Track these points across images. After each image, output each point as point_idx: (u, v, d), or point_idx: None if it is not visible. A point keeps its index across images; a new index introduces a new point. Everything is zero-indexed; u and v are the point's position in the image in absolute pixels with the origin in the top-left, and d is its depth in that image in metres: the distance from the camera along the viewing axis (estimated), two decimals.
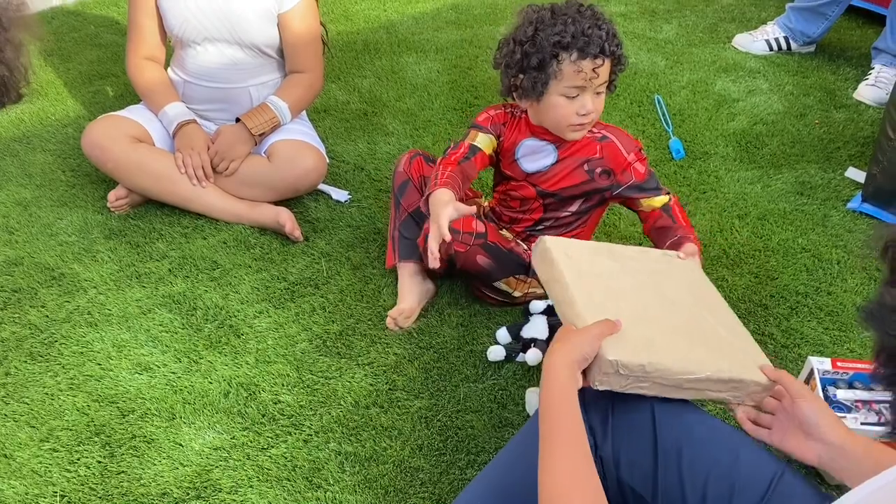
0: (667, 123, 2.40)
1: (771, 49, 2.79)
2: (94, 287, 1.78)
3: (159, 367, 1.60)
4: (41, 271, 1.81)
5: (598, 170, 1.63)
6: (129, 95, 2.39)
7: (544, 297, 1.70)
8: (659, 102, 2.50)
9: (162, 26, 1.99)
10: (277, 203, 1.97)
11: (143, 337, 1.67)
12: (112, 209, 1.97)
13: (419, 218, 1.73)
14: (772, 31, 2.79)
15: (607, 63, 1.50)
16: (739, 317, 1.22)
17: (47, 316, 1.70)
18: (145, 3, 1.96)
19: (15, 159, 2.14)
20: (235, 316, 1.73)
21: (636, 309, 1.13)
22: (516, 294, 1.71)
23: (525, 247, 1.70)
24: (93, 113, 2.34)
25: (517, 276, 1.69)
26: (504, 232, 1.74)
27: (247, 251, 1.90)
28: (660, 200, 1.63)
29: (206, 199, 1.95)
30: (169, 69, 2.07)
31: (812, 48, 2.81)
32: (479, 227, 1.60)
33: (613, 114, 2.47)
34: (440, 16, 3.06)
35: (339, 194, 2.07)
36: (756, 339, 1.19)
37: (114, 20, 2.87)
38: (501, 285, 1.69)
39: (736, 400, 1.09)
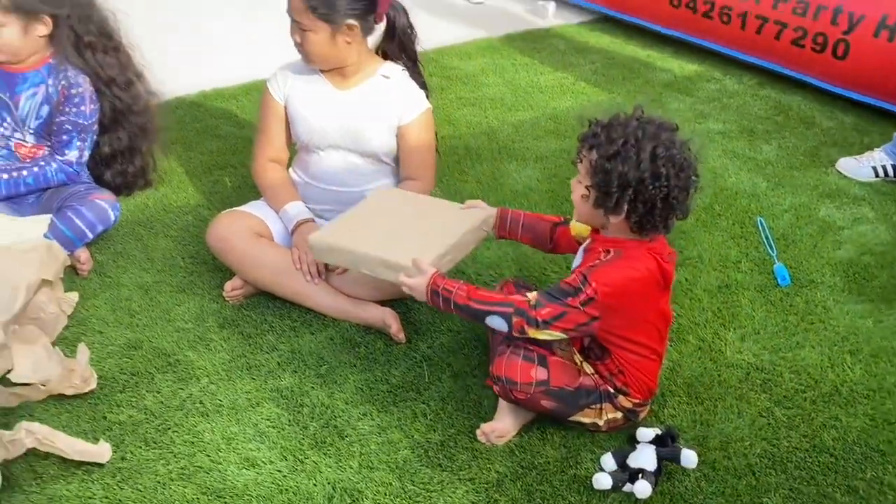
0: (771, 248, 2.38)
1: (877, 176, 2.77)
2: (207, 376, 1.84)
3: (266, 464, 1.63)
4: (158, 356, 1.89)
5: None
6: (245, 187, 2.51)
7: (650, 424, 1.68)
8: (762, 225, 2.49)
9: (288, 131, 2.12)
10: (383, 303, 2.02)
11: (251, 431, 1.71)
12: (227, 298, 2.05)
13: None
14: (879, 158, 2.77)
15: None
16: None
17: (162, 402, 1.77)
18: (276, 109, 2.09)
19: (139, 243, 2.26)
20: (340, 416, 1.75)
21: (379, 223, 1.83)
22: (600, 423, 1.69)
23: (591, 371, 1.69)
24: (212, 202, 2.47)
25: (591, 407, 1.67)
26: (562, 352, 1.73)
27: (352, 349, 1.95)
28: (531, 295, 1.57)
29: (317, 295, 2.02)
30: (291, 170, 2.19)
31: None
32: (540, 374, 1.61)
33: (715, 234, 2.47)
34: (539, 125, 3.15)
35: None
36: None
37: (233, 113, 3.05)
38: (579, 419, 1.68)
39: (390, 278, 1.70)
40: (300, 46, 1.96)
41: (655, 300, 1.64)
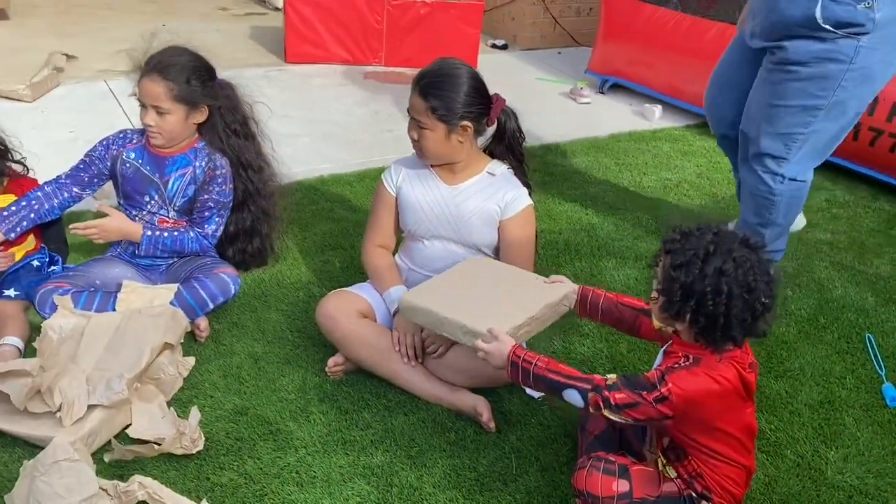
0: (879, 366, 2.30)
1: None
2: (304, 447, 1.93)
3: None
4: (261, 424, 1.99)
5: None
6: (353, 268, 2.66)
7: None
8: (870, 342, 2.41)
9: (397, 220, 2.25)
10: (475, 391, 2.07)
11: None
12: (329, 373, 2.15)
13: (606, 441, 1.78)
14: None
15: None
16: None
17: (261, 469, 1.86)
18: (387, 200, 2.24)
19: (253, 315, 2.42)
20: (427, 499, 1.79)
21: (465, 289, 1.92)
22: None
23: (674, 474, 1.66)
24: (321, 280, 2.62)
25: None
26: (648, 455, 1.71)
27: (443, 434, 2.00)
28: (611, 376, 1.59)
29: (413, 377, 2.09)
30: (397, 256, 2.31)
31: None
32: (622, 486, 1.60)
33: (819, 347, 2.41)
34: (640, 223, 3.19)
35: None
36: None
37: (346, 197, 3.24)
38: None
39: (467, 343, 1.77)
40: (416, 142, 2.11)
41: (737, 411, 1.61)
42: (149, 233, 2.33)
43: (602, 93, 4.85)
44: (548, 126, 4.24)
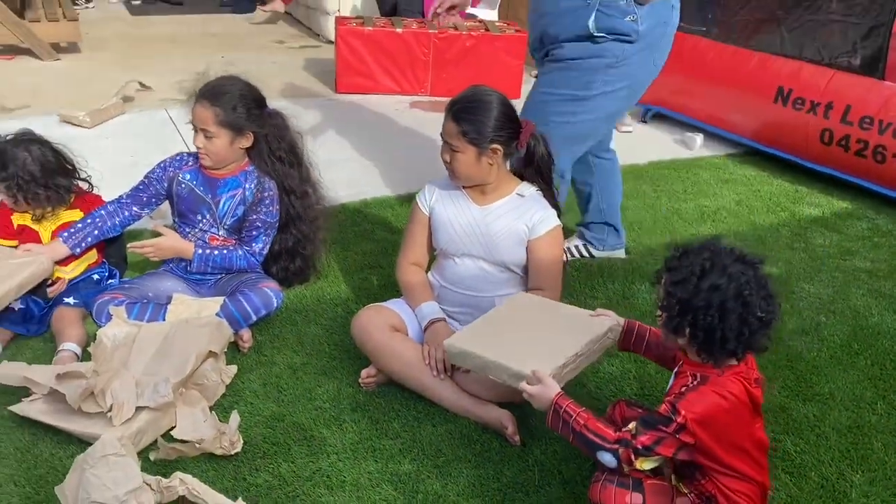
0: None
1: None
2: (336, 453, 2.02)
3: None
4: (296, 430, 2.09)
5: None
6: (390, 286, 2.75)
7: None
8: None
9: (430, 240, 2.35)
10: (502, 405, 2.13)
11: None
12: (362, 384, 2.25)
13: None
14: None
15: None
16: None
17: (294, 472, 1.95)
18: (421, 219, 2.34)
19: (293, 328, 2.54)
20: None
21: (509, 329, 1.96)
22: None
23: (686, 490, 1.68)
24: (359, 297, 2.72)
25: None
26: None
27: (469, 445, 2.06)
28: (632, 425, 1.63)
29: (442, 390, 2.17)
30: (430, 273, 2.41)
31: None
32: (635, 499, 1.63)
33: (851, 372, 2.41)
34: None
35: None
36: None
37: (387, 220, 3.36)
38: None
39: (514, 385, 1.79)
40: (449, 164, 2.21)
41: (747, 425, 1.65)
42: (200, 251, 2.48)
43: (644, 122, 4.90)
44: None
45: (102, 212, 2.52)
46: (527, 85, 5.44)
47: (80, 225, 2.49)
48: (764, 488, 1.70)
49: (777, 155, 4.19)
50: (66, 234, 2.45)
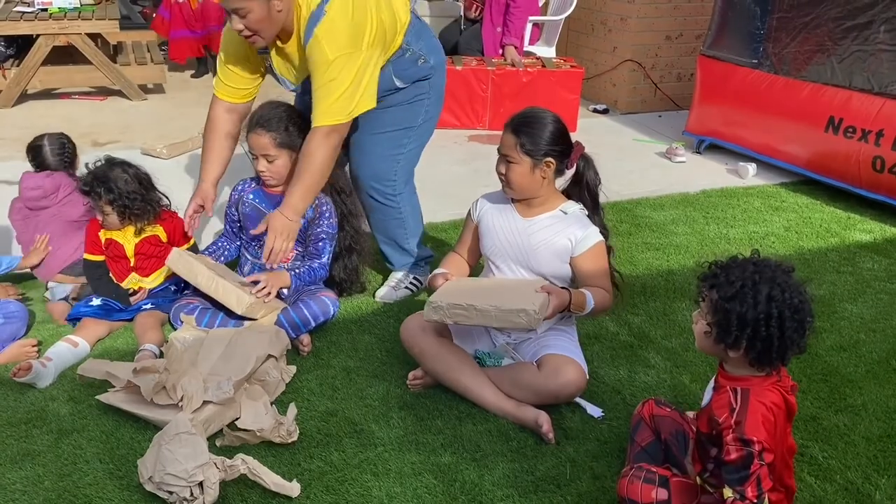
0: None
1: None
2: (383, 445, 2.19)
3: None
4: (348, 424, 2.28)
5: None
6: None
7: None
8: None
9: (476, 242, 2.54)
10: (539, 406, 2.27)
11: (410, 494, 2.01)
12: (410, 386, 2.42)
13: (653, 452, 1.94)
14: None
15: None
16: None
17: (345, 460, 2.14)
18: (470, 225, 2.56)
19: (349, 336, 2.74)
20: (486, 494, 2.01)
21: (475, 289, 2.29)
22: None
23: (711, 489, 1.74)
24: (410, 310, 2.88)
25: None
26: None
27: (506, 442, 2.21)
28: (727, 492, 1.62)
29: (482, 392, 2.32)
30: None
31: None
32: (661, 494, 1.72)
33: (886, 386, 2.45)
34: None
35: (594, 410, 2.32)
36: None
37: (441, 241, 3.56)
38: None
39: (512, 325, 2.15)
40: (503, 176, 2.36)
41: (782, 432, 1.73)
42: (293, 273, 2.72)
43: (699, 153, 4.99)
44: (640, 182, 4.43)
45: (219, 243, 2.90)
46: (584, 119, 5.65)
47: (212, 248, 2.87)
48: (791, 491, 1.77)
49: (830, 183, 4.22)
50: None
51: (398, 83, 2.76)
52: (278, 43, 2.61)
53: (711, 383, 1.84)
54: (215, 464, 1.97)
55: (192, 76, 6.71)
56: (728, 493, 1.62)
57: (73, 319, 2.74)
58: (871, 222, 3.88)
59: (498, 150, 2.38)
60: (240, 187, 2.84)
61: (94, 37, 5.96)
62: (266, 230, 2.64)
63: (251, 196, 2.80)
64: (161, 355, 2.53)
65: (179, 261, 2.65)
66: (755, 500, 1.60)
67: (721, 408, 1.69)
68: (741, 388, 1.70)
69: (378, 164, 2.86)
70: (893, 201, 3.90)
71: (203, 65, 6.67)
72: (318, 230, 2.74)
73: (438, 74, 2.88)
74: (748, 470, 1.61)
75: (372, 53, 2.52)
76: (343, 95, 2.49)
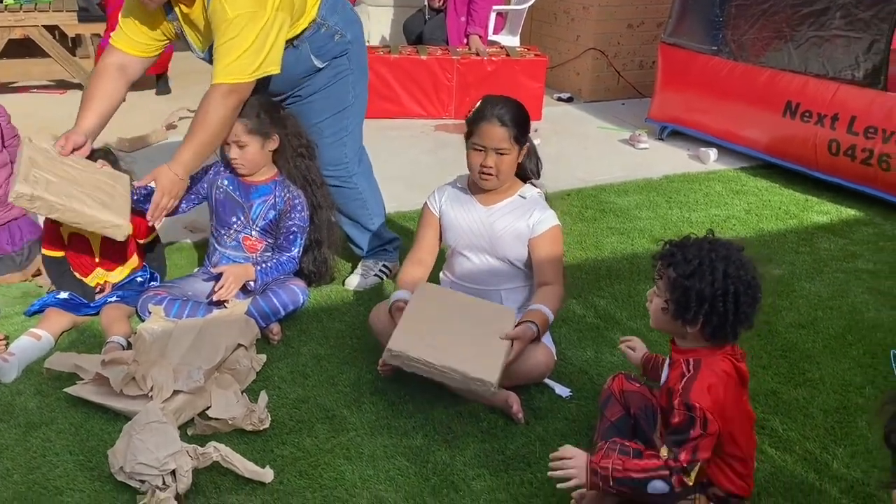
0: None
1: None
2: (355, 429, 2.21)
3: (391, 503, 1.94)
4: (320, 410, 2.30)
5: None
6: None
7: None
8: (894, 357, 2.51)
9: (437, 238, 2.55)
10: (508, 388, 2.30)
11: (383, 476, 2.04)
12: (380, 372, 2.44)
13: (622, 427, 2.00)
14: None
15: None
16: None
17: (317, 445, 2.15)
18: (431, 222, 2.55)
19: (319, 324, 2.75)
20: (458, 474, 2.04)
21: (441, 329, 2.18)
22: None
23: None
24: (379, 298, 2.91)
25: (688, 498, 1.78)
26: None
27: (476, 423, 2.24)
28: (663, 451, 1.69)
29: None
30: (441, 272, 2.61)
31: None
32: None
33: (842, 361, 2.53)
34: None
35: (562, 390, 2.37)
36: None
37: (408, 231, 3.56)
38: None
39: (467, 392, 2.12)
40: (490, 169, 2.34)
41: (738, 399, 1.79)
42: (258, 268, 2.69)
43: (661, 139, 5.07)
44: (605, 169, 4.49)
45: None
46: (549, 107, 5.70)
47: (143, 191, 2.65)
48: (751, 458, 1.84)
49: (788, 167, 4.32)
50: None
51: (317, 62, 2.70)
52: (183, 8, 2.53)
53: (665, 364, 1.90)
54: (187, 452, 1.97)
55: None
56: (664, 451, 1.70)
57: (36, 312, 2.71)
58: (827, 204, 3.99)
59: (481, 145, 2.33)
60: (215, 168, 2.81)
61: (52, 29, 5.84)
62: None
63: (225, 182, 2.78)
64: (129, 347, 2.51)
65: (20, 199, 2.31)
66: (685, 466, 1.66)
67: (676, 380, 1.76)
68: (693, 359, 1.77)
69: (327, 151, 2.86)
70: (849, 183, 4.01)
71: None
72: (290, 223, 2.74)
73: (357, 49, 2.82)
74: (687, 434, 1.67)
75: (278, 16, 2.44)
76: (245, 54, 2.41)
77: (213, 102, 2.47)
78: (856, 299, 2.96)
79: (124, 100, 2.70)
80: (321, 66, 2.74)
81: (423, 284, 2.36)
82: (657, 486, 1.67)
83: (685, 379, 1.73)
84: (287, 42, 2.57)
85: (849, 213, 3.88)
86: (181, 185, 2.54)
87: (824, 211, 3.91)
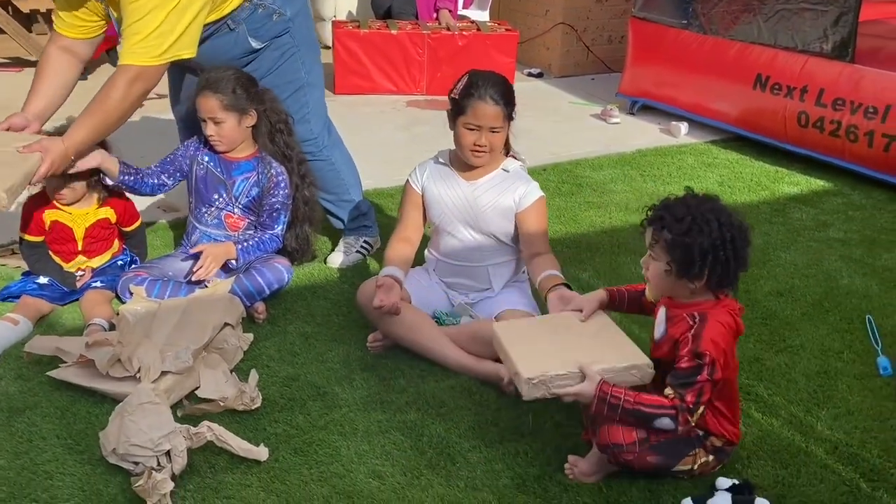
0: (876, 341, 2.48)
1: None
2: (348, 406, 2.21)
3: (388, 477, 1.94)
4: (311, 388, 2.28)
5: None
6: None
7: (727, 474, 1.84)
8: (870, 322, 2.59)
9: (422, 216, 2.54)
10: (498, 361, 2.32)
11: (378, 451, 2.04)
12: (370, 348, 2.44)
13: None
14: None
15: None
16: None
17: (310, 422, 2.14)
18: (414, 199, 2.54)
19: (304, 302, 2.73)
20: (453, 447, 2.05)
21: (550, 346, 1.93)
22: (695, 468, 1.87)
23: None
24: (363, 275, 2.90)
25: (689, 454, 1.85)
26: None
27: (469, 396, 2.25)
28: (668, 391, 1.76)
29: (443, 351, 2.36)
30: (426, 250, 2.61)
31: None
32: (640, 433, 1.80)
33: (821, 327, 2.60)
34: None
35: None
36: None
37: (386, 207, 3.56)
38: (679, 468, 1.86)
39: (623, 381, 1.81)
40: (483, 147, 2.33)
41: (733, 349, 1.86)
42: (240, 246, 2.65)
43: (632, 114, 5.10)
44: (578, 144, 4.51)
45: (141, 170, 2.66)
46: (520, 83, 5.69)
47: (131, 170, 2.62)
48: (737, 406, 1.91)
49: (758, 139, 4.39)
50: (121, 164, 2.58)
51: (254, 43, 2.62)
52: None
53: (661, 318, 1.91)
54: (181, 432, 1.95)
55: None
56: (669, 391, 1.76)
57: (11, 297, 2.64)
58: (798, 175, 4.07)
59: (475, 124, 2.30)
60: (195, 144, 2.75)
61: (6, 5, 5.64)
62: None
63: (206, 158, 2.72)
64: (111, 329, 2.46)
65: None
66: (691, 406, 1.73)
67: (683, 332, 1.80)
68: (698, 312, 1.81)
69: (293, 130, 2.81)
70: (818, 155, 4.09)
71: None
72: (273, 200, 2.70)
73: (299, 24, 2.71)
74: (694, 377, 1.74)
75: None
76: (151, 35, 2.30)
77: (116, 84, 2.37)
78: (830, 267, 3.03)
79: (85, 78, 2.61)
80: (258, 48, 2.64)
81: (496, 326, 2.10)
82: (664, 422, 1.75)
83: (693, 329, 1.78)
84: (222, 25, 2.51)
85: (818, 183, 3.97)
86: (66, 162, 2.40)
87: (795, 182, 3.99)
